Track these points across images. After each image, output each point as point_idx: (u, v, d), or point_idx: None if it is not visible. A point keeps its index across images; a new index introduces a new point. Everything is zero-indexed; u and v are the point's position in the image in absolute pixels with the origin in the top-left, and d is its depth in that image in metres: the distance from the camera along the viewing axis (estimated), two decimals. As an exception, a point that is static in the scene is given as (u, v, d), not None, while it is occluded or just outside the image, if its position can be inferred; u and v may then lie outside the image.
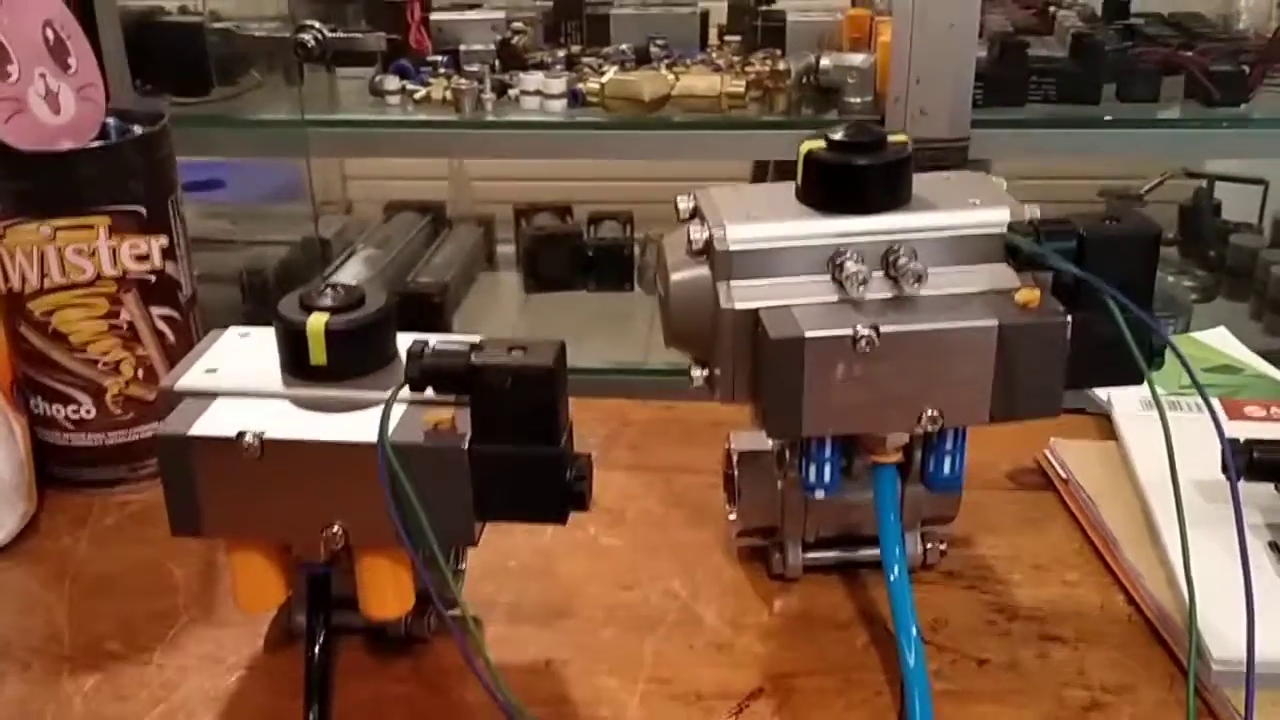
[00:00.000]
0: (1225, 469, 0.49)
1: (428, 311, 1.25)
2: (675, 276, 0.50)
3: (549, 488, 0.45)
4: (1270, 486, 0.56)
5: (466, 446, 0.44)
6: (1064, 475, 0.62)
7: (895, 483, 0.50)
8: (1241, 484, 0.55)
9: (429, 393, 0.44)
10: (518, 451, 0.44)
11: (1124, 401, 0.66)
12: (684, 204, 0.52)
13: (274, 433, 0.44)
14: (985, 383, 0.47)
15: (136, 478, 0.63)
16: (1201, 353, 0.74)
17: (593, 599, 0.54)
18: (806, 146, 0.50)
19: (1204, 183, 1.42)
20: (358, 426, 0.45)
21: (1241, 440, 0.56)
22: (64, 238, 0.58)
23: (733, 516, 0.57)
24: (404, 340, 0.49)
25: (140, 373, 0.62)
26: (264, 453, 0.44)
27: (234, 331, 0.52)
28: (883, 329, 0.46)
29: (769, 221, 0.49)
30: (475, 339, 0.48)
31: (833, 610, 0.54)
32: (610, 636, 0.52)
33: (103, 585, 0.56)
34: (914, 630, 0.46)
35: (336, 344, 0.47)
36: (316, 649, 0.47)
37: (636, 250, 1.44)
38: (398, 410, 0.45)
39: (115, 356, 0.61)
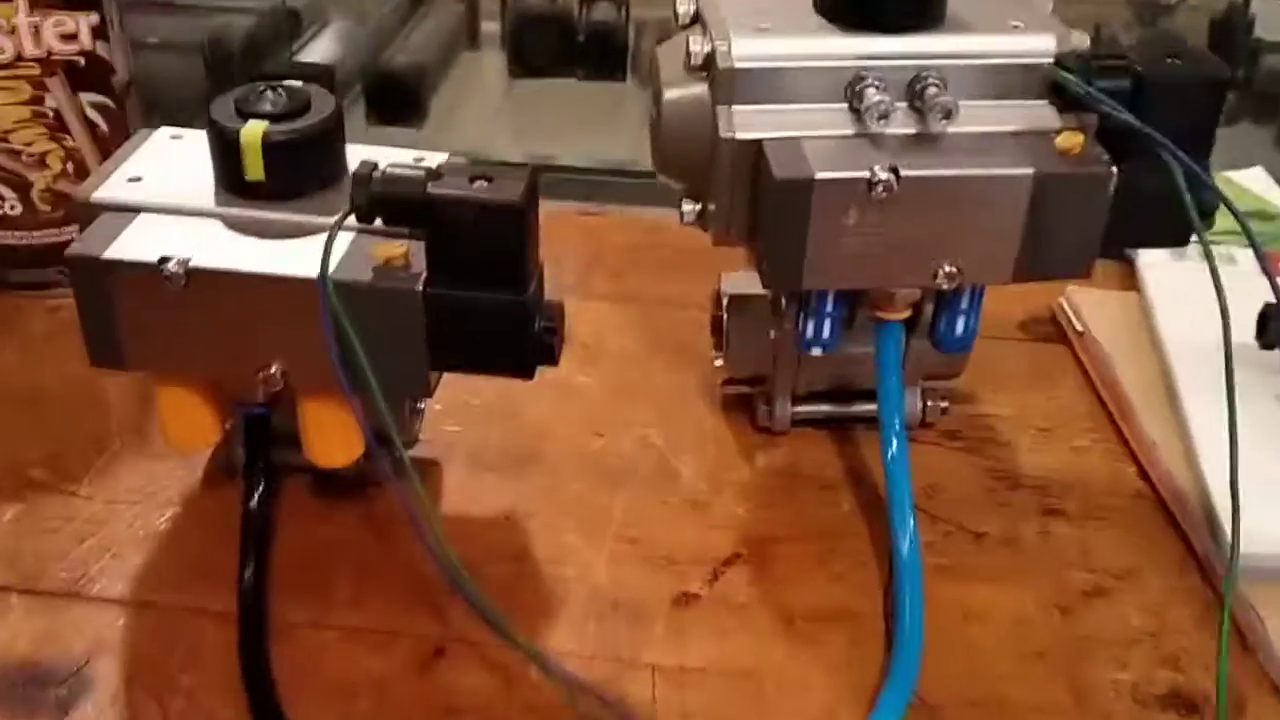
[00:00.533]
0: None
1: (403, 95, 1.16)
2: (669, 95, 0.44)
3: (514, 338, 0.39)
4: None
5: (421, 288, 0.38)
6: (1079, 327, 0.57)
7: (900, 343, 0.46)
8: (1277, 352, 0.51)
9: (379, 223, 0.39)
10: (479, 297, 0.38)
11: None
12: (683, 6, 0.45)
13: (201, 260, 0.39)
14: (1013, 237, 0.42)
15: (68, 281, 0.57)
16: (1235, 194, 0.69)
17: (561, 445, 0.50)
18: (827, -54, 0.43)
19: (1242, -6, 1.32)
20: (297, 257, 0.39)
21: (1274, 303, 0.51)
22: (-24, 10, 0.51)
23: (719, 363, 0.52)
24: (356, 153, 0.43)
25: (70, 166, 0.55)
26: (190, 282, 0.39)
27: (165, 133, 0.45)
28: (904, 172, 0.40)
29: (781, 36, 0.42)
30: (435, 160, 0.42)
31: (819, 469, 0.50)
32: (578, 489, 0.48)
33: (29, 402, 0.51)
34: (910, 514, 0.42)
35: (276, 157, 0.41)
36: (254, 501, 0.43)
37: (632, 35, 1.34)
38: (343, 240, 0.39)
39: (41, 148, 0.54)
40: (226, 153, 0.41)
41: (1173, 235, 0.43)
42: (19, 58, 0.52)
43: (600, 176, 1.19)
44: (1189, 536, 0.46)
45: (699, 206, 0.45)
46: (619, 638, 0.42)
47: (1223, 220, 0.67)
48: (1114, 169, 0.41)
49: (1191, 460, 0.48)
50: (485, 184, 0.37)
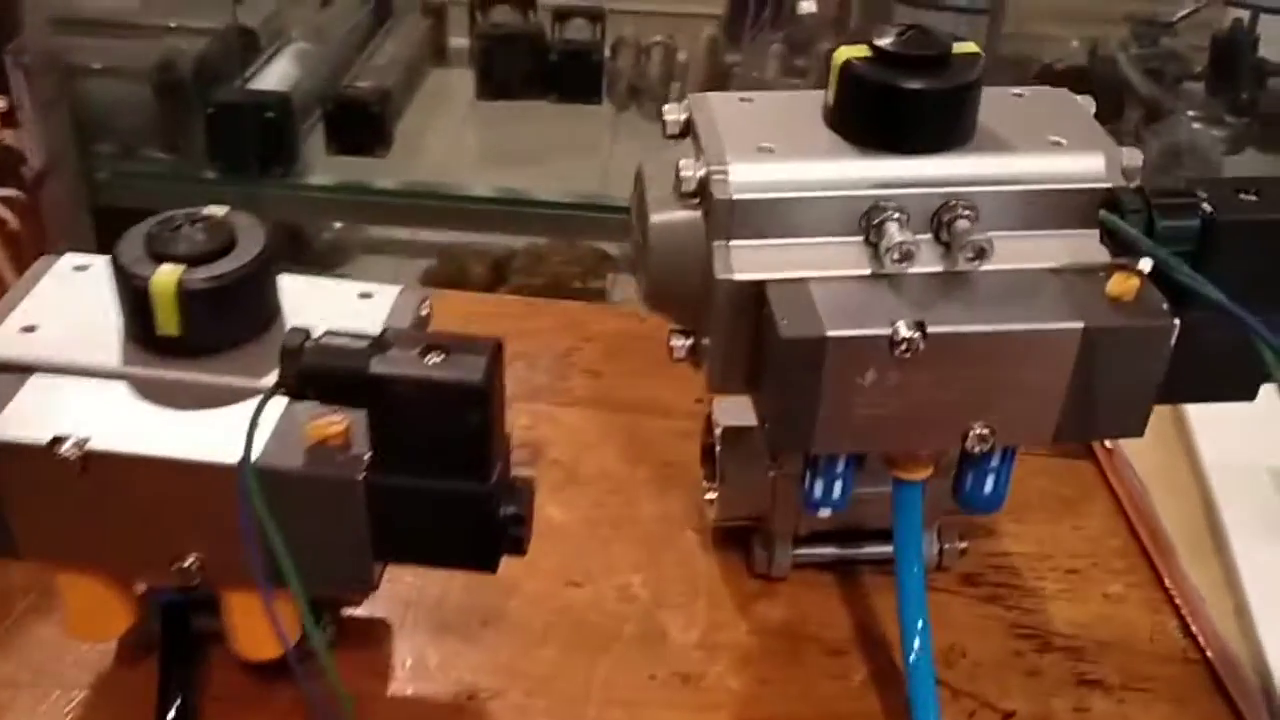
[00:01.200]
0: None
1: (365, 122, 1.10)
2: (656, 219, 0.38)
3: (475, 532, 0.33)
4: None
5: (362, 476, 0.32)
6: (1109, 444, 0.52)
7: (920, 505, 0.40)
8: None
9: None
10: (433, 486, 0.32)
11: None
12: (672, 115, 0.39)
13: (102, 440, 0.33)
14: (1056, 395, 0.36)
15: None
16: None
17: (532, 600, 0.44)
18: (843, 55, 0.37)
19: (1245, 13, 1.27)
20: (215, 435, 0.33)
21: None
22: None
23: (710, 496, 0.46)
24: (289, 290, 0.37)
25: (-28, 269, 0.49)
26: (87, 464, 0.33)
27: (68, 262, 0.39)
28: (930, 328, 0.34)
29: (786, 159, 0.36)
30: (384, 306, 0.36)
31: (825, 627, 0.44)
32: (551, 657, 0.42)
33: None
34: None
35: (194, 309, 0.34)
36: (174, 709, 0.37)
37: (608, 55, 1.27)
38: (273, 411, 0.33)
39: (-63, 249, 0.48)
40: (135, 303, 0.34)
41: (1241, 389, 0.37)
42: (-91, 151, 0.46)
43: (573, 212, 1.14)
44: (1243, 713, 0.41)
45: (690, 342, 0.39)
46: None
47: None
48: (1175, 320, 0.35)
49: (1244, 617, 0.43)
50: (440, 358, 0.31)
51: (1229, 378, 0.37)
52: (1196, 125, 1.19)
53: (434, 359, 0.31)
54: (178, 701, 0.38)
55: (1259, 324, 0.33)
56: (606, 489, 0.49)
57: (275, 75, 1.12)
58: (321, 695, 0.35)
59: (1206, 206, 0.34)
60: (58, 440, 0.33)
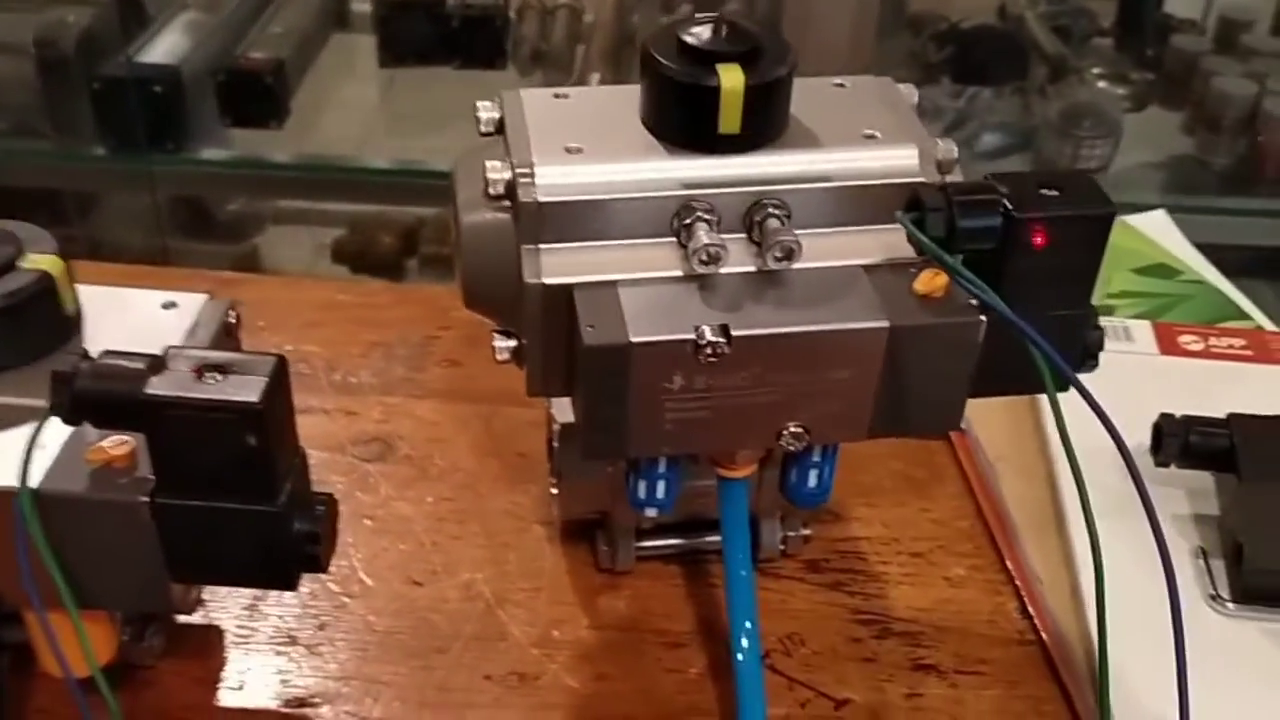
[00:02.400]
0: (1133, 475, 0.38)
1: (259, 95, 1.07)
2: (466, 220, 0.37)
3: (268, 551, 0.33)
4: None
5: (146, 499, 0.32)
6: (961, 424, 0.52)
7: (745, 501, 0.40)
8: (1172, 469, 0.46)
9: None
10: (221, 507, 0.32)
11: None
12: (485, 113, 0.38)
13: (-125, 467, 0.32)
14: (867, 393, 0.36)
15: None
16: (1135, 244, 0.63)
17: (373, 601, 0.44)
18: (649, 46, 0.36)
19: (1150, -33, 1.27)
20: (-2, 461, 0.32)
21: (1178, 416, 0.46)
22: None
23: (555, 491, 0.46)
24: (93, 298, 0.36)
25: None
26: None
27: None
28: (735, 331, 0.34)
29: (595, 161, 0.36)
30: (178, 338, 0.35)
31: (667, 618, 0.44)
32: (389, 659, 0.42)
33: None
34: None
35: (-23, 327, 0.33)
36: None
37: (513, 19, 1.25)
38: (58, 435, 0.32)
39: None
40: (-86, 322, 0.33)
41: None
42: None
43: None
44: (1072, 697, 0.42)
45: (513, 343, 0.39)
46: None
47: (1118, 279, 0.63)
48: (982, 318, 0.35)
49: (1077, 600, 0.43)
50: (218, 378, 0.31)
51: (1036, 373, 0.37)
52: (1101, 84, 1.19)
53: (212, 379, 0.31)
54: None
55: (1034, 333, 0.33)
56: (457, 483, 0.49)
57: (164, 48, 1.09)
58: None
59: (1007, 204, 0.34)
60: None
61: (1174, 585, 0.34)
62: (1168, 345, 0.54)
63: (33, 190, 1.04)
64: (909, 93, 0.40)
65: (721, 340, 0.34)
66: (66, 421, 0.31)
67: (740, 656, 0.39)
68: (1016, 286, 0.35)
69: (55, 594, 0.32)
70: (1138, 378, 0.52)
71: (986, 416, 0.51)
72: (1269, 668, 0.41)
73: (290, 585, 0.34)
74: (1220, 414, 0.47)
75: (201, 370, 0.31)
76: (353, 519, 0.47)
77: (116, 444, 0.32)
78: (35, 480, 0.31)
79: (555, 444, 0.44)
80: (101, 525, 0.32)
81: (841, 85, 0.40)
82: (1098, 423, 0.38)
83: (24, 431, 0.33)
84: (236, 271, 0.92)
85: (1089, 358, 0.38)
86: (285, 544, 0.33)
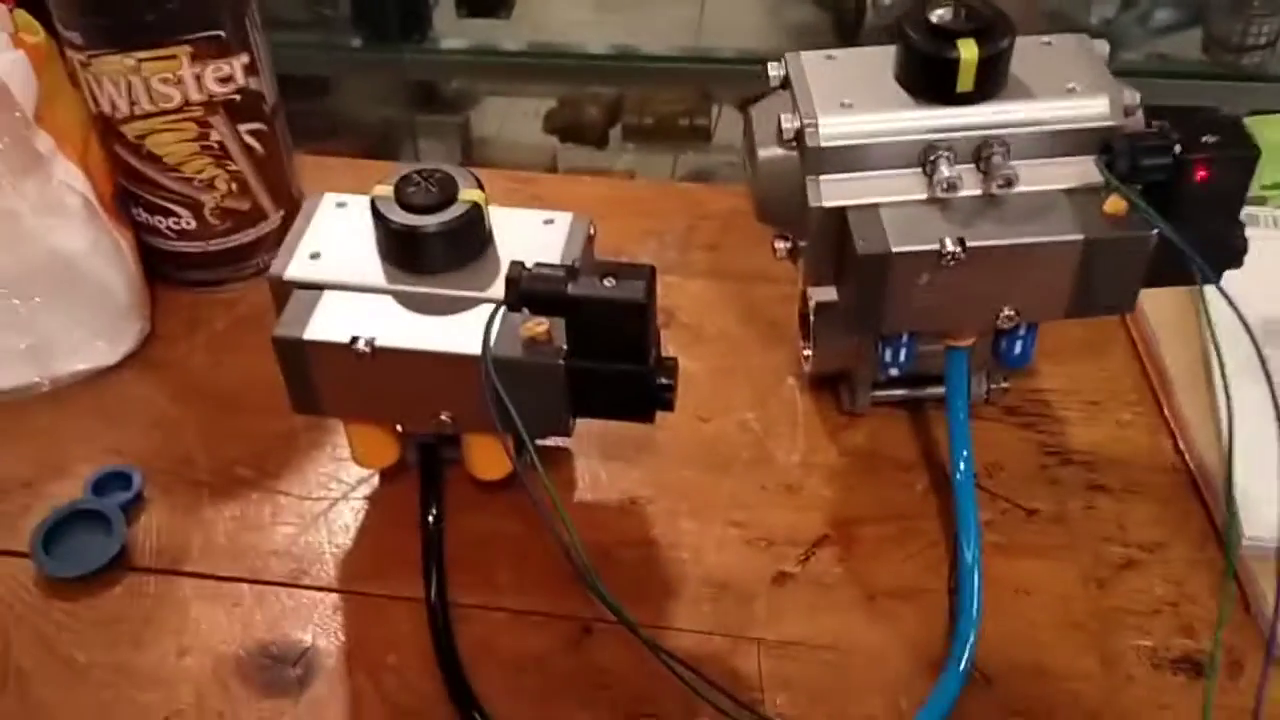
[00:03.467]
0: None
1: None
2: (763, 155, 0.51)
3: (638, 398, 0.48)
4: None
5: (562, 362, 0.47)
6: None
7: (967, 368, 0.53)
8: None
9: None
10: (610, 368, 0.47)
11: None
12: (774, 70, 0.51)
13: (384, 340, 0.47)
14: (1065, 286, 0.49)
15: (240, 276, 0.66)
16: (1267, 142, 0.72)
17: (674, 431, 0.59)
18: (904, 24, 0.48)
19: None
20: (461, 335, 0.47)
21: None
22: (149, 68, 0.58)
23: (807, 353, 0.60)
24: (497, 217, 0.51)
25: (234, 186, 0.63)
26: (375, 355, 0.47)
27: (330, 200, 0.53)
28: (969, 243, 0.47)
29: (863, 112, 0.49)
30: (560, 246, 0.50)
31: (897, 449, 0.58)
32: (690, 475, 0.57)
33: (225, 403, 0.61)
34: (974, 530, 0.51)
35: (433, 245, 0.49)
36: (430, 520, 0.53)
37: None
38: (497, 317, 0.47)
39: (209, 174, 0.62)
40: (398, 239, 0.49)
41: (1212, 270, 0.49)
42: (185, 103, 0.59)
43: (684, 64, 1.24)
44: (1212, 512, 0.55)
45: (789, 245, 0.52)
46: (729, 616, 0.52)
47: (1269, 169, 0.72)
48: (1154, 231, 0.47)
49: (1218, 438, 0.56)
50: (613, 281, 0.45)
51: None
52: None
53: (609, 282, 0.45)
54: (434, 506, 0.54)
55: (1187, 246, 0.45)
56: (725, 346, 0.63)
57: (407, -53, 1.23)
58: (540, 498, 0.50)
59: (1176, 148, 0.46)
60: (355, 339, 0.47)
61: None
62: (1315, 238, 0.65)
63: (313, 79, 1.20)
64: (1101, 47, 0.51)
65: (959, 249, 0.47)
66: (512, 309, 0.46)
67: (959, 476, 0.53)
68: (1182, 208, 0.46)
69: (501, 420, 0.47)
70: (1285, 260, 0.63)
71: (1152, 292, 0.63)
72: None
73: (650, 419, 0.49)
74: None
75: (602, 275, 0.45)
76: (652, 371, 0.61)
77: (537, 323, 0.47)
78: (493, 346, 0.46)
79: (812, 317, 0.58)
80: (531, 379, 0.47)
81: (1049, 44, 0.51)
82: (1241, 297, 0.50)
83: (472, 314, 0.48)
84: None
85: (1235, 258, 0.49)
86: (651, 392, 0.48)
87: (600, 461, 0.58)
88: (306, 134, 1.33)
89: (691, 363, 0.62)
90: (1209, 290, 0.62)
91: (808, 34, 1.27)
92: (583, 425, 0.51)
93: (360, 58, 1.22)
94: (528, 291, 0.45)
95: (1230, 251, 0.49)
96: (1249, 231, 0.50)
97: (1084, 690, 0.49)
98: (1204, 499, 0.55)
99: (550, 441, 0.58)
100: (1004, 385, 0.59)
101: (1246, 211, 0.53)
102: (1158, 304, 0.62)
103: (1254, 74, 1.15)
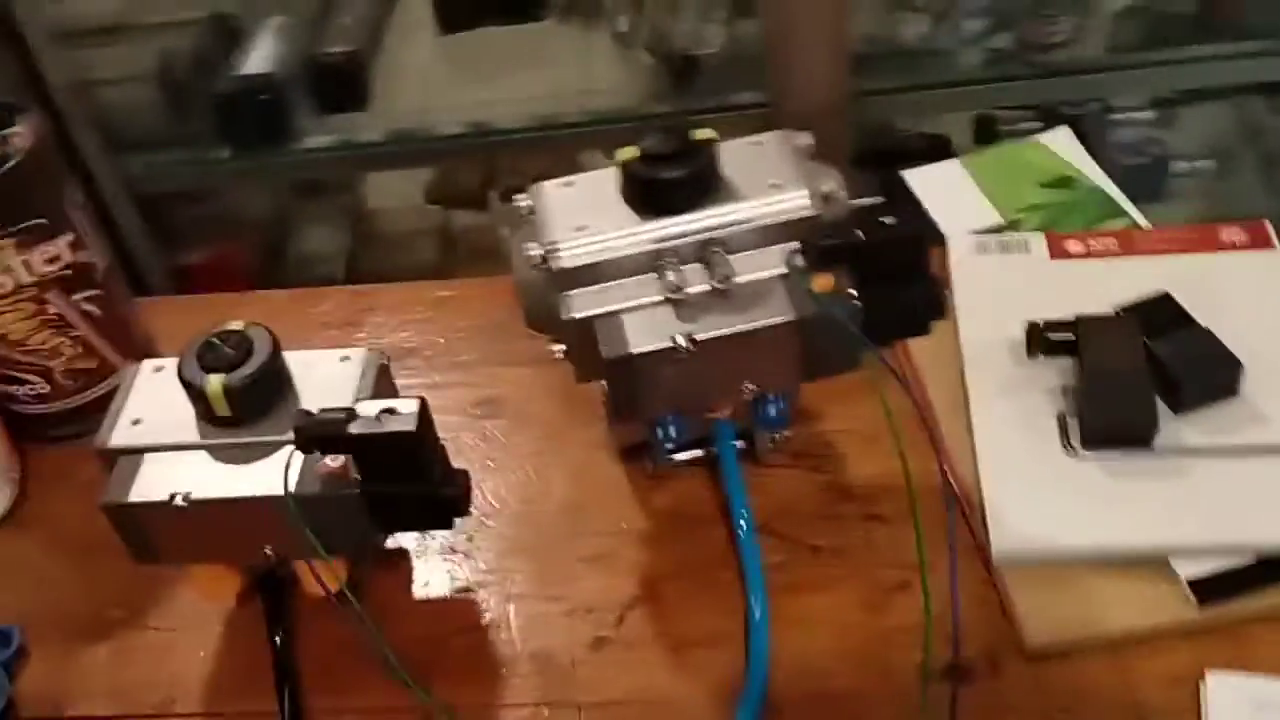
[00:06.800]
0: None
1: (344, 84, 1.27)
2: (519, 278, 0.57)
3: (431, 510, 0.54)
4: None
5: (358, 491, 0.53)
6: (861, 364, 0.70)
7: (731, 435, 0.60)
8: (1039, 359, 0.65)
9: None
10: (400, 490, 0.53)
11: (960, 240, 0.73)
12: (524, 201, 0.58)
13: (199, 492, 0.54)
14: (793, 357, 0.55)
15: (96, 427, 0.72)
16: (1041, 160, 0.80)
17: (502, 520, 0.65)
18: (622, 156, 0.55)
19: None
20: (268, 478, 0.53)
21: (1036, 322, 0.64)
22: (-23, 262, 0.64)
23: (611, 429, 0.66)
24: (294, 358, 0.57)
25: (80, 349, 0.69)
26: (193, 507, 0.54)
27: (149, 366, 0.59)
28: (698, 336, 0.53)
29: (596, 234, 0.55)
30: (356, 380, 0.56)
31: (698, 506, 0.65)
32: (516, 559, 0.63)
33: (95, 549, 0.66)
34: (761, 587, 0.57)
35: (236, 398, 0.55)
36: (277, 639, 0.59)
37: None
38: (297, 460, 0.54)
39: (53, 343, 0.68)
40: (199, 399, 0.55)
41: (916, 330, 0.56)
42: (19, 287, 0.65)
43: (540, 133, 1.30)
44: (972, 525, 0.61)
45: (564, 347, 0.59)
46: (553, 686, 0.58)
47: (1028, 193, 0.79)
48: (858, 304, 0.54)
49: (976, 463, 0.63)
50: (389, 415, 0.51)
51: (907, 325, 0.56)
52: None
53: (385, 417, 0.51)
54: (279, 626, 0.60)
55: (855, 330, 0.53)
56: (547, 430, 0.70)
57: (259, 57, 1.28)
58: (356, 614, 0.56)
59: (855, 239, 0.53)
60: (173, 496, 0.53)
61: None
62: (1057, 251, 0.72)
63: (178, 195, 1.26)
64: (804, 139, 0.58)
65: (689, 344, 0.53)
66: (305, 452, 0.52)
67: (741, 535, 0.59)
68: (870, 276, 0.53)
69: (311, 549, 0.54)
70: (1032, 282, 0.70)
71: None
72: (1100, 490, 0.60)
73: (448, 526, 0.55)
74: (1096, 306, 0.64)
75: (380, 413, 0.51)
76: (480, 463, 0.68)
77: (334, 459, 0.53)
78: (293, 487, 0.53)
79: (605, 399, 0.64)
80: (334, 509, 0.53)
81: (759, 143, 0.58)
82: (993, 323, 0.57)
83: (274, 458, 0.54)
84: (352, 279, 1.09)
85: (938, 310, 0.56)
86: (440, 505, 0.54)
87: (438, 557, 0.64)
88: (200, 239, 1.40)
89: (516, 449, 0.69)
90: (961, 318, 0.70)
91: (653, 84, 1.33)
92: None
93: (232, 167, 1.28)
94: (313, 436, 0.52)
95: (934, 305, 0.56)
96: (1001, 256, 0.57)
97: (865, 710, 0.56)
98: (966, 516, 0.62)
99: (391, 543, 0.64)
100: (786, 434, 0.66)
101: (998, 238, 0.62)
102: (919, 347, 0.69)
103: (1064, 68, 1.23)
